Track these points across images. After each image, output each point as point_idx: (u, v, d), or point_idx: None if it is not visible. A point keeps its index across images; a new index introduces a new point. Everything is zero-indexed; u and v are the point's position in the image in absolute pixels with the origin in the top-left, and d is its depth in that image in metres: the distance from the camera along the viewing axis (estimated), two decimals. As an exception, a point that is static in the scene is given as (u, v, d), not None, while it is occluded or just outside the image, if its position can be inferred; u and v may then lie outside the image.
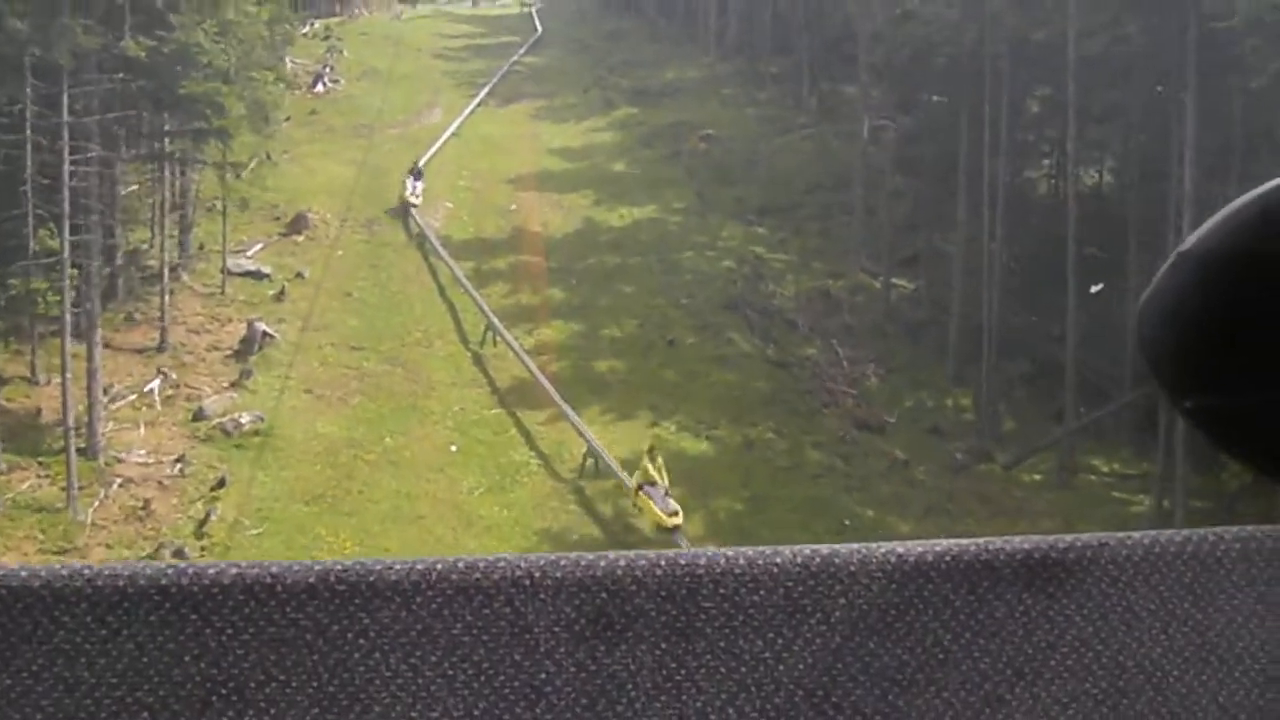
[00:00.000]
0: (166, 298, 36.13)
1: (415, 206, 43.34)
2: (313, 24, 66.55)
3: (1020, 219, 41.45)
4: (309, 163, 47.37)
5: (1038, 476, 36.31)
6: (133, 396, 33.61)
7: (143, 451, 31.73)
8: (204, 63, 32.06)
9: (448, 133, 51.31)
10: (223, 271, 39.03)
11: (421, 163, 47.46)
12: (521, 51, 63.98)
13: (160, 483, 30.76)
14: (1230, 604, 1.25)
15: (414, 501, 30.55)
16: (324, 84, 57.11)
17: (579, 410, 33.58)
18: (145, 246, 38.89)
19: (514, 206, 45.61)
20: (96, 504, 29.96)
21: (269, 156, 45.72)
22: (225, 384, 34.50)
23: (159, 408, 33.40)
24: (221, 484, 30.82)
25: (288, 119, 50.81)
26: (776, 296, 41.57)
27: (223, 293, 38.62)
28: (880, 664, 1.20)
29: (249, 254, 40.82)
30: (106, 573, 1.12)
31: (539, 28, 68.95)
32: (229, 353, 35.92)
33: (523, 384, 34.98)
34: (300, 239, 42.09)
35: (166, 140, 35.80)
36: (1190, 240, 0.99)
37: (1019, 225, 41.12)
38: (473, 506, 30.58)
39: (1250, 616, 1.25)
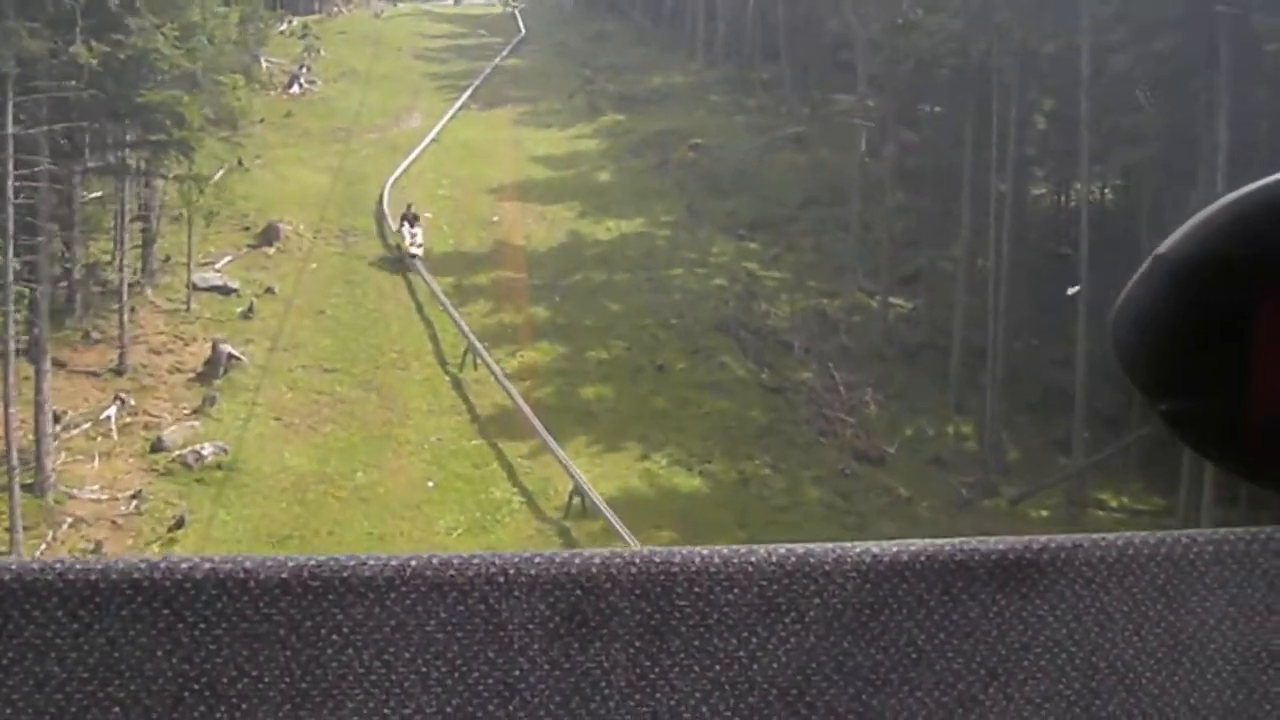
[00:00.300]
0: (126, 315, 33.34)
1: (417, 258, 38.50)
2: (290, 21, 63.62)
3: (1026, 236, 39.09)
4: (282, 169, 44.56)
5: (1045, 512, 34.00)
6: (87, 425, 30.85)
7: (96, 487, 29.00)
8: (164, 69, 29.17)
9: (428, 138, 48.57)
10: (188, 286, 36.24)
11: (400, 171, 44.81)
12: (505, 53, 61.11)
13: (114, 522, 28.07)
14: (1203, 606, 1.23)
15: (387, 543, 27.86)
16: (300, 85, 54.22)
17: (565, 441, 31.05)
18: (106, 259, 36.05)
19: (496, 218, 42.91)
20: (43, 546, 27.24)
21: (241, 163, 42.99)
22: (187, 410, 31.78)
23: (115, 437, 30.65)
24: (180, 523, 28.15)
25: (261, 121, 48.10)
26: (770, 316, 39.03)
27: (188, 309, 35.83)
28: (854, 663, 1.18)
29: (217, 267, 38.06)
30: (78, 567, 1.09)
31: (522, 28, 66.05)
32: (192, 375, 33.19)
33: (505, 412, 32.37)
34: (271, 251, 39.32)
35: (125, 152, 32.77)
36: (1164, 245, 1.00)
37: (1024, 242, 38.75)
38: (451, 549, 27.82)
39: (1222, 619, 1.23)
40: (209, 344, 34.05)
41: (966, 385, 37.49)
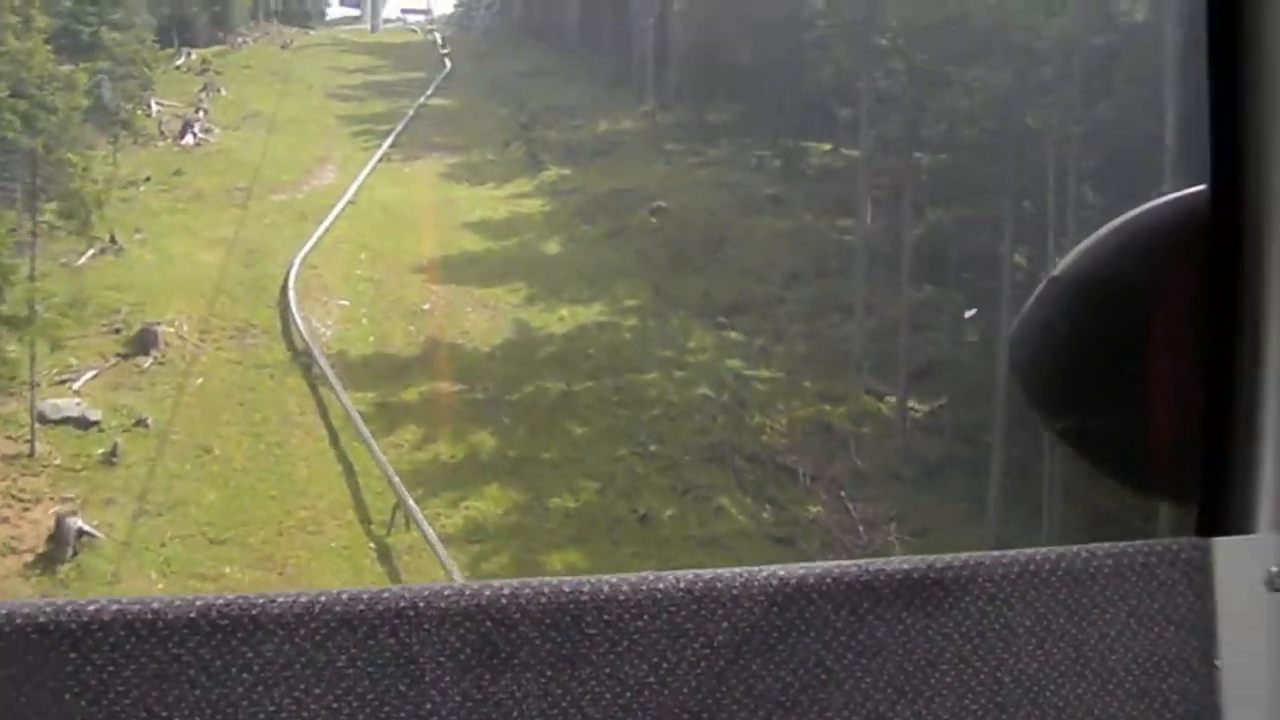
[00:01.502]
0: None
1: None
2: (188, 54, 53.25)
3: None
4: (166, 244, 34.77)
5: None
6: None
7: None
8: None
9: (343, 200, 38.94)
10: (33, 419, 26.51)
11: (310, 245, 35.22)
12: (429, 92, 51.41)
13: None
14: (1104, 619, 1.20)
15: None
16: (194, 134, 44.14)
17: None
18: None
19: (426, 305, 33.56)
20: None
21: (114, 240, 33.31)
22: (17, 619, 22.09)
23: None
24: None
25: (147, 180, 38.55)
26: (766, 431, 30.19)
27: (31, 454, 26.13)
28: (763, 686, 1.14)
29: (75, 387, 28.36)
30: None
31: (448, 64, 56.29)
32: (30, 559, 23.55)
33: (447, 597, 23.06)
34: (146, 363, 29.60)
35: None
36: (1058, 267, 0.98)
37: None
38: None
39: (1123, 631, 1.20)
40: (57, 504, 24.49)
41: (1004, 513, 29.09)
